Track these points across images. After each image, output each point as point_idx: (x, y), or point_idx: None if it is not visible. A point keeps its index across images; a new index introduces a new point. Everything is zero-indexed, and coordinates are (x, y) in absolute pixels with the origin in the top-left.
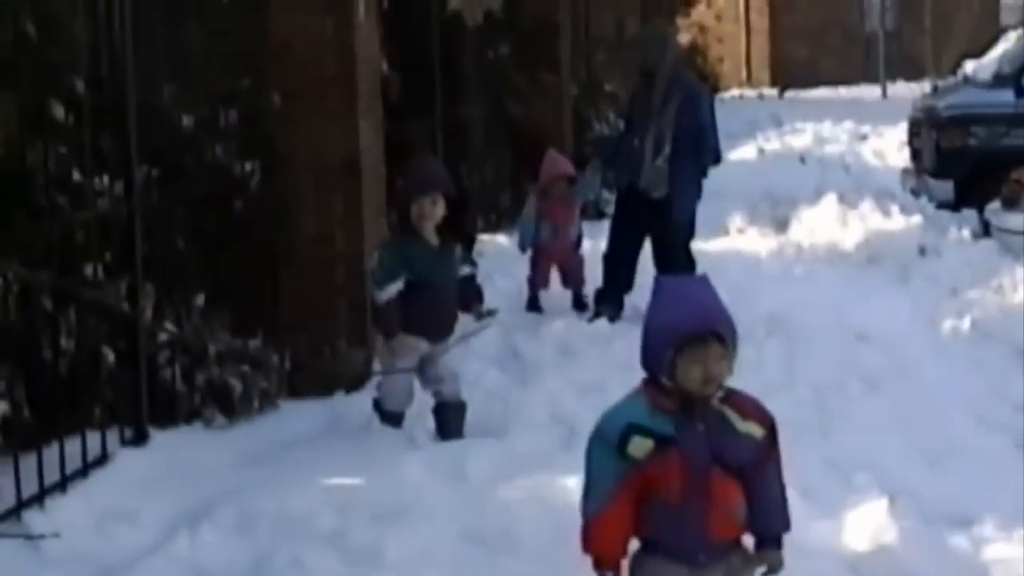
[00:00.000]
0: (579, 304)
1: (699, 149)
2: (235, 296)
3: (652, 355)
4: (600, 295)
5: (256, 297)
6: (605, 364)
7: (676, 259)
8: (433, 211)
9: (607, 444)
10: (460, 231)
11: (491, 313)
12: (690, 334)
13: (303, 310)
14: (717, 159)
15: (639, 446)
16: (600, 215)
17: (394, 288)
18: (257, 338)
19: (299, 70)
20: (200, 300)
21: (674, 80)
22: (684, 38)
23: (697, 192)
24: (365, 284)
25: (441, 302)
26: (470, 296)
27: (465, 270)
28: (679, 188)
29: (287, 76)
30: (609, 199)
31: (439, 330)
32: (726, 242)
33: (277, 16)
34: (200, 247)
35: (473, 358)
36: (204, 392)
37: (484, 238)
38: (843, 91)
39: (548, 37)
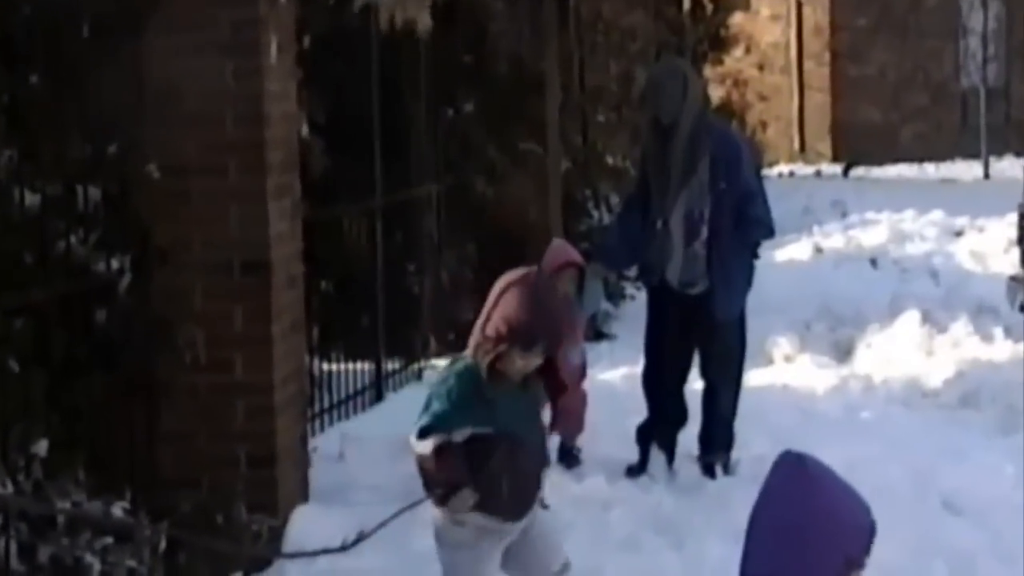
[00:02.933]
0: (567, 456)
1: (744, 222)
2: (94, 441)
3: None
4: (644, 433)
5: (123, 442)
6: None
7: (726, 377)
8: (533, 362)
9: None
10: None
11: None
12: (859, 559)
13: (188, 462)
14: (769, 232)
15: None
16: (599, 335)
17: (443, 439)
18: (124, 499)
19: (187, 132)
20: (43, 446)
21: (701, 132)
22: (714, 94)
23: (747, 280)
24: (274, 425)
25: (526, 465)
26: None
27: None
28: (723, 278)
29: (170, 140)
30: (612, 313)
31: (521, 505)
32: (769, 374)
33: (157, 58)
34: (46, 372)
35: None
36: (49, 574)
37: (438, 363)
38: (930, 169)
39: (529, 91)
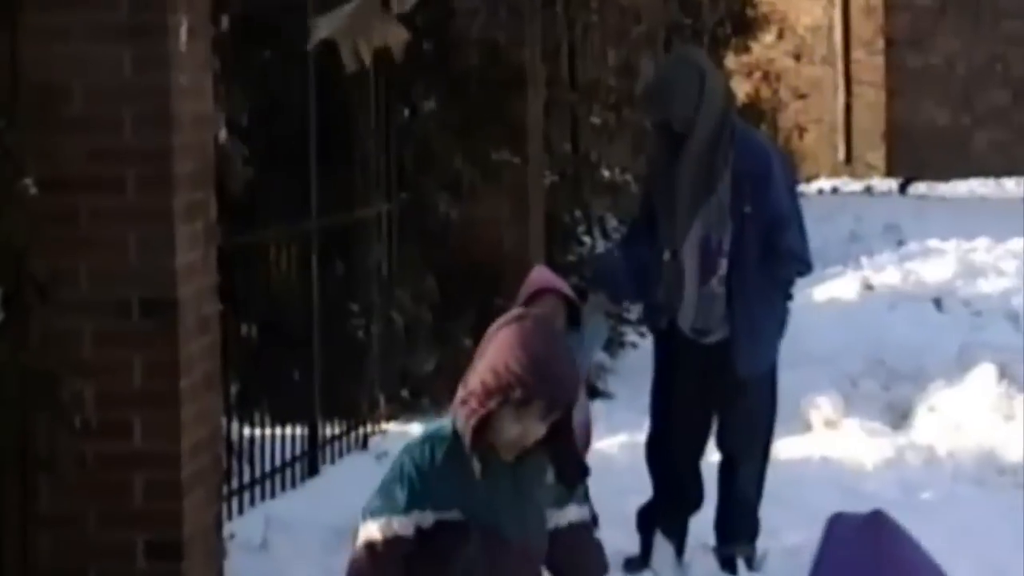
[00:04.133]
0: None
1: (774, 254)
2: None
3: None
4: (648, 517)
5: None
6: None
7: (750, 447)
8: (532, 429)
9: None
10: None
11: None
12: None
13: (72, 552)
14: (805, 267)
15: None
16: (592, 393)
17: (400, 525)
18: None
19: (72, 138)
20: None
21: (721, 140)
22: (738, 91)
23: (778, 327)
24: (181, 506)
25: (509, 571)
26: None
27: (570, 514)
28: (747, 323)
29: (51, 148)
30: (608, 366)
31: None
32: (805, 444)
33: (34, 43)
34: None
35: None
36: None
37: (389, 428)
38: (1010, 185)
39: (506, 87)
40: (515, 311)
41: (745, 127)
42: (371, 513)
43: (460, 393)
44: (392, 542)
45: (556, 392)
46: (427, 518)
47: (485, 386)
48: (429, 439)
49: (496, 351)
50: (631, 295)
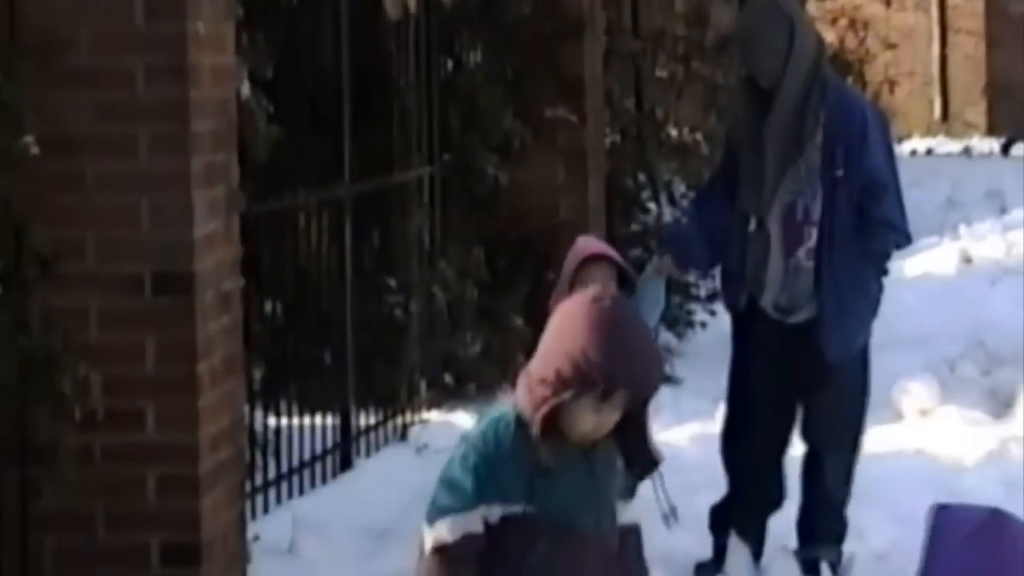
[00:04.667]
0: None
1: (869, 224)
2: None
3: None
4: (721, 516)
5: None
6: None
7: (838, 440)
8: (610, 419)
9: None
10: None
11: None
12: None
13: (78, 557)
14: (904, 239)
15: None
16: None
17: (471, 522)
18: None
19: (78, 93)
20: None
21: (811, 97)
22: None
23: (871, 306)
24: (200, 504)
25: (585, 569)
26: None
27: (627, 514)
28: (837, 301)
29: (54, 104)
30: (675, 348)
31: None
32: (897, 436)
33: None
34: None
35: None
36: None
37: (431, 418)
38: None
39: (561, 37)
40: (590, 291)
41: (838, 82)
42: (438, 511)
43: (527, 378)
44: (465, 541)
45: (642, 383)
46: (495, 512)
47: (561, 375)
48: (493, 426)
49: (572, 336)
50: (702, 262)
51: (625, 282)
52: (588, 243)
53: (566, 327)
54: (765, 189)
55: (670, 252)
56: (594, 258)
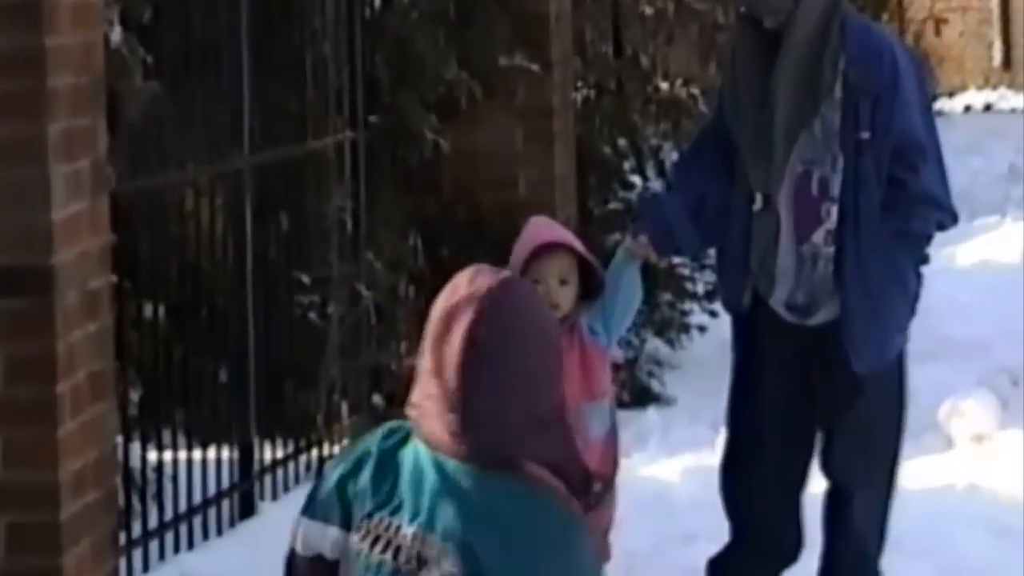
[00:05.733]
0: None
1: (903, 200)
2: None
3: None
4: (721, 570)
5: None
6: None
7: (869, 473)
8: None
9: None
10: None
11: None
12: None
13: None
14: (950, 218)
15: None
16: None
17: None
18: None
19: None
20: None
21: (829, 39)
22: None
23: (909, 303)
24: (60, 560)
25: None
26: None
27: None
28: (864, 298)
29: None
30: (663, 358)
31: None
32: (946, 466)
33: None
34: None
35: None
36: None
37: None
38: None
39: None
40: (485, 270)
41: (862, 21)
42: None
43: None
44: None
45: None
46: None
47: None
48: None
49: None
50: (687, 243)
51: (590, 276)
52: (540, 227)
53: (448, 321)
54: (774, 158)
55: (646, 230)
56: (548, 247)
